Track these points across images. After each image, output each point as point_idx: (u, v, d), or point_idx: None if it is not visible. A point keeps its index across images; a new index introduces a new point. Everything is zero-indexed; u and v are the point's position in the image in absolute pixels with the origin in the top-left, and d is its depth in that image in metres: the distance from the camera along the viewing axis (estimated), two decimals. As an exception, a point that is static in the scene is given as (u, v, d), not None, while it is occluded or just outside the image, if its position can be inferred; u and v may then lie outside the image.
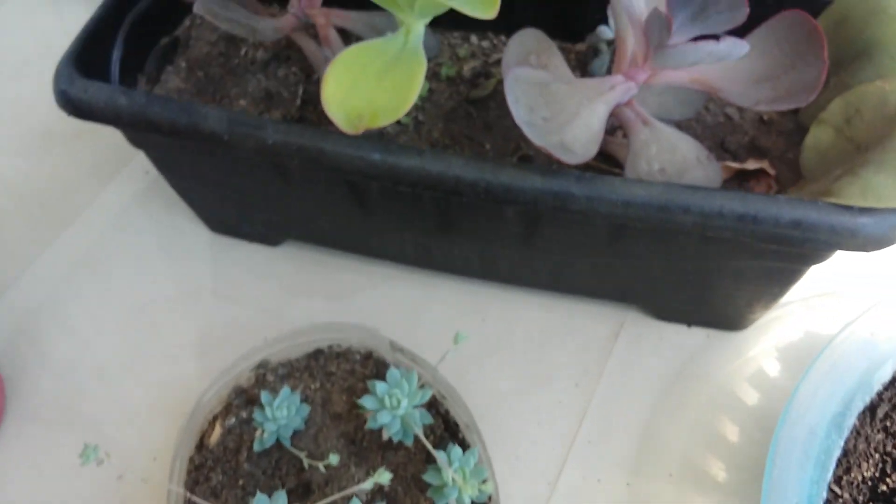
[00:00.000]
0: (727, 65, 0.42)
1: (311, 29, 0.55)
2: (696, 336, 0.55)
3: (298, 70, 0.58)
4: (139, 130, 0.48)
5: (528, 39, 0.45)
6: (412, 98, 0.39)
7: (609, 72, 0.55)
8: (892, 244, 0.40)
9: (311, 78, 0.57)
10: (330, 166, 0.45)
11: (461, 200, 0.44)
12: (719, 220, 0.40)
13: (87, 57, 0.51)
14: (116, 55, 0.54)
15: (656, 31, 0.40)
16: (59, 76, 0.49)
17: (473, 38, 0.59)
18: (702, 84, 0.42)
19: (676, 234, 0.44)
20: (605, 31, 0.52)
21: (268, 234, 0.61)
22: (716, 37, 0.37)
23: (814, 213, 0.40)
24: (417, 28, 0.44)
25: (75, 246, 0.63)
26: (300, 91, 0.56)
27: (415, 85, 0.40)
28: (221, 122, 0.46)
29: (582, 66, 0.56)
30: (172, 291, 0.60)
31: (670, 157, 0.43)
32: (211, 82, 0.57)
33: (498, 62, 0.58)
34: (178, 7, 0.60)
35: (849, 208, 0.39)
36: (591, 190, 0.41)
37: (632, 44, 0.43)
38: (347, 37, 0.56)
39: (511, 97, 0.40)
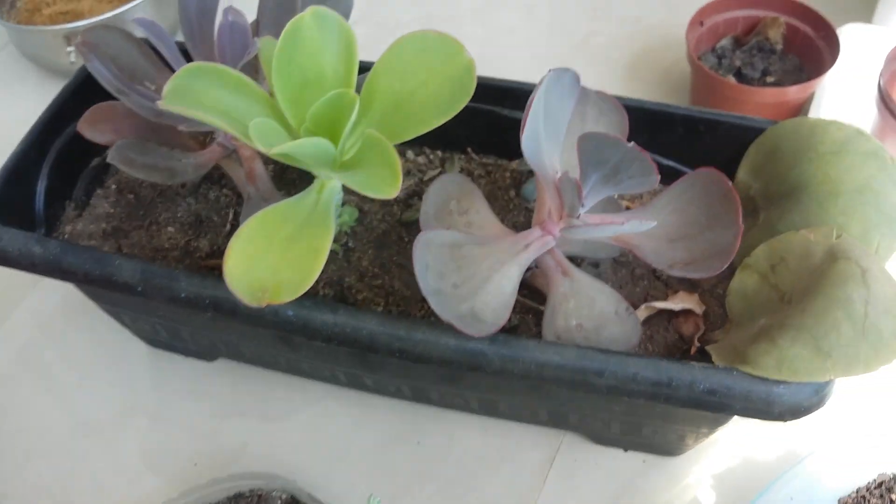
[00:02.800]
0: (643, 220, 0.41)
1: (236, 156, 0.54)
2: (632, 461, 0.54)
3: (230, 191, 0.57)
4: (55, 279, 0.47)
5: (450, 185, 0.45)
6: (316, 273, 0.39)
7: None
8: (809, 413, 0.39)
9: (242, 200, 0.56)
10: (244, 320, 0.44)
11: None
12: (634, 384, 0.39)
13: (6, 196, 0.50)
14: (41, 187, 0.53)
15: (568, 194, 0.39)
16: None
17: (409, 153, 0.59)
18: (617, 241, 0.42)
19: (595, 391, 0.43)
20: (534, 161, 0.52)
21: (201, 351, 0.60)
22: (623, 204, 0.36)
23: (728, 381, 0.39)
24: (333, 184, 0.43)
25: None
26: (230, 215, 0.55)
27: (319, 259, 0.39)
28: (134, 274, 0.45)
29: (517, 185, 0.55)
30: (108, 409, 0.59)
31: (588, 313, 0.42)
32: (141, 206, 0.56)
33: (429, 179, 0.57)
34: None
35: (763, 379, 0.38)
36: (506, 352, 0.40)
37: (548, 198, 0.42)
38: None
39: (419, 265, 0.39)
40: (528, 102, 0.37)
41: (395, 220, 0.55)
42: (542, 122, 0.39)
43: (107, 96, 0.52)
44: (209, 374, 0.60)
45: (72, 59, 0.75)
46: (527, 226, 0.53)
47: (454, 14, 0.88)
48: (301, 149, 0.38)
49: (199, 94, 0.41)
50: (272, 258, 0.40)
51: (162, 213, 0.56)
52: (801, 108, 0.66)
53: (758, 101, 0.64)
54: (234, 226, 0.55)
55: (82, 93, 0.56)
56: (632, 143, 0.36)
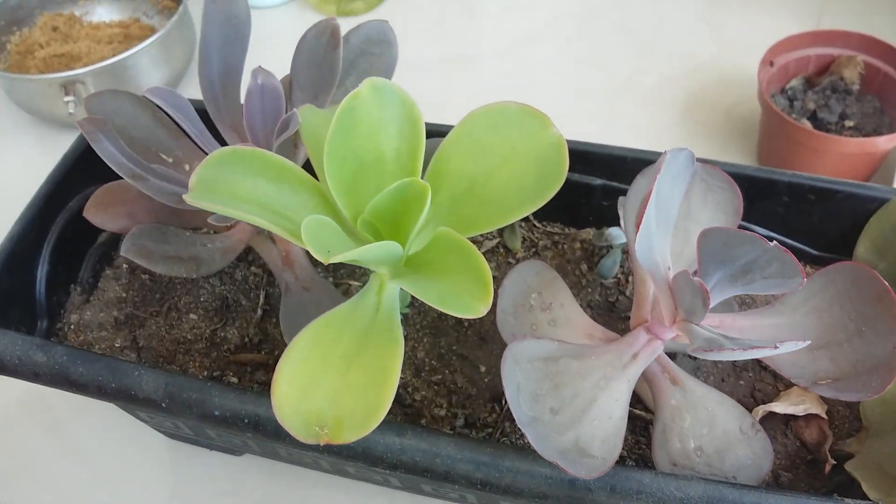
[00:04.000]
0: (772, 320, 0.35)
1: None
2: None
3: (259, 269, 0.50)
4: (62, 390, 0.40)
5: (528, 275, 0.38)
6: (387, 402, 0.31)
7: (621, 276, 0.47)
8: None
9: (273, 279, 0.49)
10: (291, 444, 0.37)
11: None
12: (775, 526, 0.32)
13: (2, 285, 0.43)
14: (42, 272, 0.46)
15: (687, 297, 0.32)
16: (-34, 322, 0.41)
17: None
18: (742, 346, 0.35)
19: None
20: (618, 235, 0.45)
21: (228, 447, 0.53)
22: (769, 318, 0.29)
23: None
24: (391, 287, 0.36)
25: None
26: (261, 298, 0.48)
27: (389, 383, 0.32)
28: (158, 388, 0.38)
29: (588, 258, 0.48)
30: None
31: (709, 432, 0.35)
32: (157, 287, 0.49)
33: (488, 251, 0.50)
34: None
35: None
36: (615, 486, 0.33)
37: (652, 292, 0.36)
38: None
39: (510, 387, 0.32)
40: (645, 200, 0.30)
41: (450, 301, 0.47)
42: (653, 214, 0.32)
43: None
44: (237, 471, 0.53)
45: (70, 109, 0.68)
46: (607, 309, 0.46)
47: (482, 51, 0.81)
48: (367, 255, 0.31)
49: (232, 185, 0.34)
50: (330, 383, 0.33)
51: (182, 297, 0.48)
52: (886, 157, 0.59)
53: (840, 151, 0.58)
54: (266, 311, 0.48)
55: (85, 160, 0.49)
56: (773, 242, 0.29)
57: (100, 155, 0.36)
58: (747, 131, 0.69)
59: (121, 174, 0.37)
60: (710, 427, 0.35)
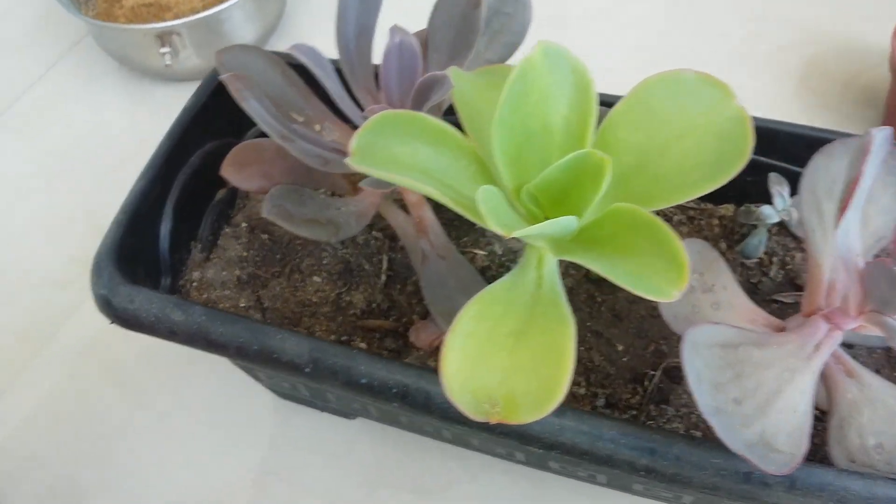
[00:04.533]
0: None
1: (396, 196, 0.45)
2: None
3: (380, 234, 0.48)
4: (197, 349, 0.39)
5: (689, 254, 0.35)
6: (563, 383, 0.30)
7: (764, 257, 0.45)
8: None
9: (396, 245, 0.48)
10: (440, 416, 0.36)
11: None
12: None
13: (130, 242, 0.42)
14: (166, 228, 0.45)
15: (883, 287, 0.30)
16: (97, 275, 0.40)
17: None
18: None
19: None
20: (770, 214, 0.42)
21: (342, 410, 0.52)
22: None
23: None
24: (551, 260, 0.34)
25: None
26: (384, 263, 0.47)
27: (564, 363, 0.30)
28: (301, 353, 0.37)
29: (727, 236, 0.46)
30: (239, 472, 0.51)
31: (889, 429, 0.33)
32: (277, 248, 0.48)
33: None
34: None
35: None
36: (795, 481, 0.32)
37: (829, 274, 0.33)
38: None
39: (692, 374, 0.30)
40: (852, 184, 0.28)
41: (581, 276, 0.46)
42: (861, 199, 0.30)
43: (231, 117, 0.44)
44: (349, 435, 0.52)
45: (167, 61, 0.66)
46: (749, 291, 0.44)
47: (572, 13, 0.77)
48: (548, 230, 0.29)
49: (392, 150, 0.32)
50: (499, 360, 0.31)
51: (304, 259, 0.47)
52: None
53: None
54: (390, 276, 0.46)
55: (204, 116, 0.48)
56: None
57: (249, 113, 0.34)
58: (870, 102, 0.65)
59: (270, 134, 0.35)
60: (890, 423, 0.33)
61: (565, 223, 0.29)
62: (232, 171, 0.39)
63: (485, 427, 0.34)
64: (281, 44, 0.75)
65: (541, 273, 0.34)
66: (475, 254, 0.47)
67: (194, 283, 0.46)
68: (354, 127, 0.43)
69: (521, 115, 0.32)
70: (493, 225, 0.29)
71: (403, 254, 0.48)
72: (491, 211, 0.29)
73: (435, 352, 0.43)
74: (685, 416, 0.40)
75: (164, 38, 0.65)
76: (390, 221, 0.44)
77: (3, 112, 0.72)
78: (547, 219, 0.32)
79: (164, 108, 0.72)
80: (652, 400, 0.41)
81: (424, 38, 0.41)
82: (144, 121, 0.71)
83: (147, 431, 0.53)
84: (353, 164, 0.31)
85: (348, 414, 0.53)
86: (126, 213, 0.42)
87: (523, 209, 0.33)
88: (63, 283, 0.60)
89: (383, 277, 0.46)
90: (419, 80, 0.39)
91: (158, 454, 0.52)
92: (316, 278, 0.46)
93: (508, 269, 0.46)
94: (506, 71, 0.38)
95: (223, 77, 0.34)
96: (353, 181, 0.45)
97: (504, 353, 0.31)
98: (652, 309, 0.45)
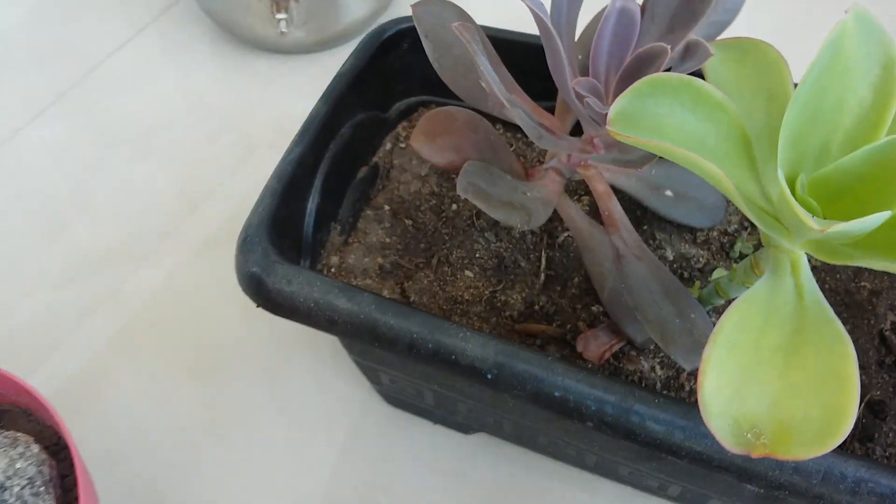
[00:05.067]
0: None
1: (571, 186, 0.41)
2: None
3: (538, 229, 0.43)
4: (361, 342, 0.35)
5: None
6: (851, 415, 0.25)
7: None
8: None
9: (554, 241, 0.43)
10: (649, 443, 0.31)
11: None
12: None
13: (282, 214, 0.37)
14: (313, 204, 0.41)
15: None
16: (247, 250, 0.35)
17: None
18: None
19: None
20: None
21: (462, 424, 0.47)
22: None
23: None
24: (806, 265, 0.29)
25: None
26: (542, 261, 0.42)
27: (849, 391, 0.25)
28: (486, 357, 0.32)
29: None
30: (332, 484, 0.46)
31: None
32: (423, 236, 0.43)
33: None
34: (380, 124, 0.46)
35: None
36: None
37: None
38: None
39: None
40: None
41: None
42: None
43: (380, 88, 0.40)
44: (465, 451, 0.48)
45: (282, 28, 0.62)
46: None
47: None
48: (864, 227, 0.25)
49: (658, 119, 0.28)
50: (767, 382, 0.26)
51: (453, 250, 0.42)
52: None
53: None
54: (549, 276, 0.42)
55: (357, 84, 0.43)
56: None
57: (481, 67, 0.30)
58: None
59: (499, 94, 0.30)
60: None
61: (876, 220, 0.25)
62: (423, 142, 0.34)
63: (731, 463, 0.29)
64: (397, 15, 0.71)
65: (798, 281, 0.29)
66: (644, 259, 0.42)
67: (332, 269, 0.41)
68: (547, 105, 0.38)
69: (819, 90, 0.27)
70: (802, 216, 0.24)
71: (563, 251, 0.43)
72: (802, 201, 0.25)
73: (605, 365, 0.39)
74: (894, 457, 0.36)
75: (280, 3, 0.61)
76: (568, 222, 0.39)
77: (85, 78, 0.68)
78: (825, 214, 0.28)
79: (263, 81, 0.68)
80: (855, 437, 0.37)
81: (643, 3, 0.37)
82: (240, 94, 0.67)
83: (238, 436, 0.48)
84: (615, 130, 0.26)
85: (468, 429, 0.48)
86: (281, 181, 0.37)
87: (799, 200, 0.29)
88: (154, 262, 0.55)
89: (542, 277, 0.42)
90: (634, 53, 0.34)
91: (251, 460, 0.47)
92: (468, 272, 0.42)
93: (682, 276, 0.42)
94: (751, 46, 0.33)
95: (454, 26, 0.29)
96: (521, 162, 0.40)
97: (773, 372, 0.26)
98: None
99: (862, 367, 0.38)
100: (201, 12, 0.70)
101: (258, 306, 0.35)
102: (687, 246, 0.43)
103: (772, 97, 0.32)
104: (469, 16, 0.37)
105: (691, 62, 0.30)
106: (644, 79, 0.27)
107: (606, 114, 0.33)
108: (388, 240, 0.43)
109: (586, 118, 0.34)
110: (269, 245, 0.35)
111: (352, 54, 0.43)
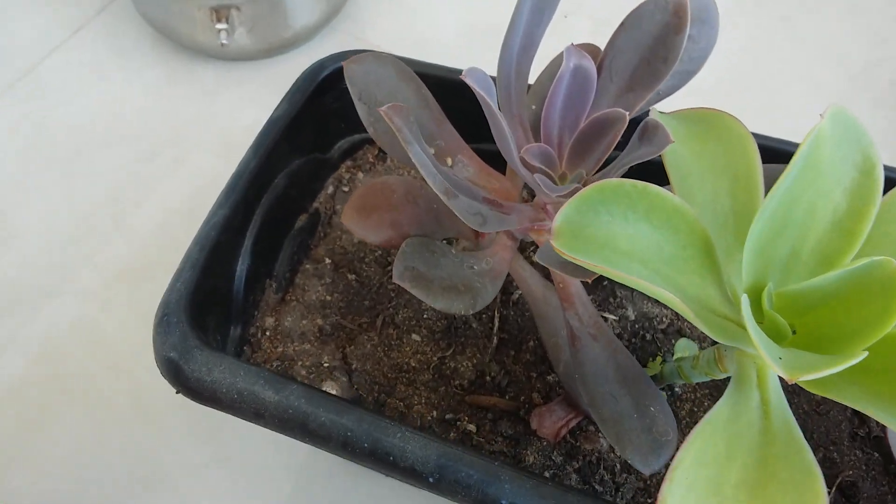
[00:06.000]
0: None
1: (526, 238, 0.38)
2: None
3: (491, 284, 0.40)
4: (291, 437, 0.31)
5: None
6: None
7: None
8: None
9: (508, 299, 0.40)
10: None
11: None
12: None
13: (205, 286, 0.34)
14: (242, 267, 0.37)
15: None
16: (164, 332, 0.32)
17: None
18: None
19: None
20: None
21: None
22: None
23: None
24: (774, 378, 0.27)
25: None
26: (495, 323, 0.39)
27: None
28: (427, 460, 0.29)
29: None
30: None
31: None
32: (368, 292, 0.40)
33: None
34: (321, 166, 0.43)
35: None
36: None
37: None
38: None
39: None
40: None
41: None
42: None
43: (319, 129, 0.36)
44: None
45: (223, 39, 0.57)
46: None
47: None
48: (832, 369, 0.22)
49: (609, 231, 0.25)
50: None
51: (399, 309, 0.39)
52: None
53: None
54: (503, 340, 0.39)
55: (292, 130, 0.39)
56: None
57: (414, 160, 0.26)
58: None
59: (435, 188, 0.27)
60: None
61: (852, 362, 0.22)
62: (356, 220, 0.31)
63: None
64: (346, 26, 0.66)
65: (765, 396, 0.26)
66: (605, 318, 0.40)
67: (267, 333, 0.38)
68: (499, 166, 0.35)
69: (789, 200, 0.24)
70: (763, 351, 0.21)
71: (517, 310, 0.40)
72: (758, 334, 0.22)
73: (562, 442, 0.36)
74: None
75: (220, 12, 0.56)
76: (522, 287, 0.36)
77: (14, 84, 0.63)
78: (793, 330, 0.25)
79: (208, 91, 0.63)
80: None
81: (599, 61, 0.33)
82: (182, 105, 0.62)
83: (182, 486, 0.45)
84: (559, 246, 0.23)
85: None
86: (204, 249, 0.34)
87: (768, 319, 0.26)
88: (91, 297, 0.51)
89: (495, 340, 0.39)
90: (590, 118, 0.31)
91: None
92: (414, 336, 0.39)
93: (644, 338, 0.39)
94: (715, 119, 0.30)
95: (382, 110, 0.26)
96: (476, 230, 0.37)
97: (735, 507, 0.24)
98: (816, 404, 0.38)
99: (833, 443, 0.36)
100: (142, 19, 0.65)
101: (177, 392, 0.32)
102: (649, 305, 0.40)
103: (737, 178, 0.29)
104: (409, 72, 0.33)
105: (649, 147, 0.27)
106: (593, 185, 0.24)
107: (557, 195, 0.30)
108: (328, 297, 0.40)
109: (538, 186, 0.31)
110: (188, 327, 0.32)
111: (285, 98, 0.39)
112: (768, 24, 0.69)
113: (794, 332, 0.26)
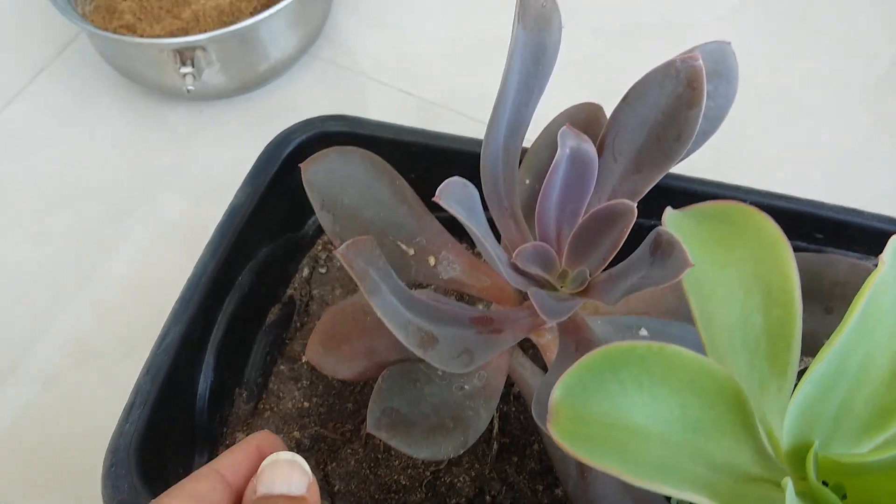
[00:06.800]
0: None
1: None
2: None
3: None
4: None
5: None
6: None
7: None
8: None
9: (509, 389, 0.36)
10: None
11: None
12: None
13: (159, 421, 0.30)
14: (205, 385, 0.33)
15: None
16: (111, 484, 0.28)
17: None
18: None
19: None
20: None
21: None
22: None
23: None
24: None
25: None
26: (495, 425, 0.35)
27: None
28: None
29: None
30: None
31: None
32: (350, 393, 0.36)
33: None
34: (294, 246, 0.38)
35: None
36: None
37: None
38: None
39: None
40: None
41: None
42: None
43: (289, 207, 0.32)
44: None
45: (188, 84, 0.52)
46: None
47: (679, 22, 0.63)
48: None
49: (617, 404, 0.20)
50: None
51: (387, 416, 0.35)
52: None
53: None
54: (504, 445, 0.34)
55: (255, 218, 0.35)
56: None
57: (379, 313, 0.22)
58: None
59: (406, 342, 0.22)
60: None
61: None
62: (322, 354, 0.27)
63: None
64: (325, 52, 0.61)
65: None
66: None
67: (240, 449, 0.34)
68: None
69: (843, 353, 0.20)
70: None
71: (519, 405, 0.36)
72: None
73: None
74: None
75: (184, 54, 0.51)
76: (522, 388, 0.32)
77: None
78: (843, 494, 0.21)
79: (178, 136, 0.58)
80: None
81: (600, 138, 0.28)
82: (150, 154, 0.57)
83: None
84: (557, 436, 0.19)
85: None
86: (157, 378, 0.30)
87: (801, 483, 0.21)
88: (46, 378, 0.47)
89: (495, 446, 0.34)
90: (592, 209, 0.26)
91: None
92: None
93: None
94: (740, 217, 0.26)
95: (338, 252, 0.21)
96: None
97: None
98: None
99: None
100: (104, 61, 0.60)
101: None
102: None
103: (770, 292, 0.24)
104: (381, 163, 0.29)
105: (662, 270, 0.22)
106: (598, 350, 0.20)
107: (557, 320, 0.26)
108: (306, 404, 0.35)
109: (534, 305, 0.27)
110: (139, 479, 0.28)
111: (247, 179, 0.34)
112: (778, 19, 0.63)
113: (844, 497, 0.22)
